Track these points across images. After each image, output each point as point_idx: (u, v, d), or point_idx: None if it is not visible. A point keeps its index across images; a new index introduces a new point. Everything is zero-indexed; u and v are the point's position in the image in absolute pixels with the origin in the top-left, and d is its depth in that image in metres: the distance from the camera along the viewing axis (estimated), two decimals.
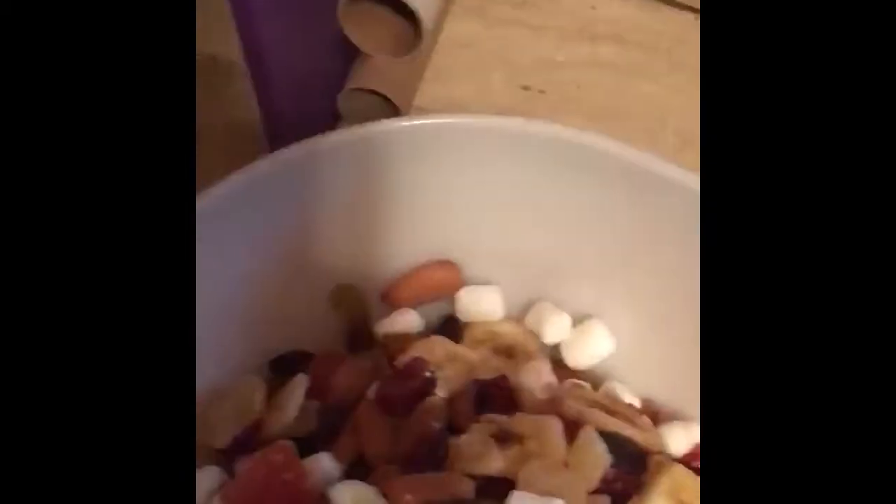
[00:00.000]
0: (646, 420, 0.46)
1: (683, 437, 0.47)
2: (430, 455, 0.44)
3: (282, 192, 0.47)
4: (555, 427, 0.43)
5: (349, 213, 0.51)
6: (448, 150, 0.50)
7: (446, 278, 0.53)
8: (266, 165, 0.46)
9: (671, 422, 0.48)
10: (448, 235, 0.53)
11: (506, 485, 0.42)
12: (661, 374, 0.51)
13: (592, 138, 0.48)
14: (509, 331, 0.53)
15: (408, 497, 0.41)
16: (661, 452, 0.45)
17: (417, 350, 0.49)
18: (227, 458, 0.46)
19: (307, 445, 0.45)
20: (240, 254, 0.48)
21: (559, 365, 0.52)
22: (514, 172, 0.50)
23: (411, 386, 0.47)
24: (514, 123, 0.48)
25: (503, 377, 0.49)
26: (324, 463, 0.43)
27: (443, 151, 0.50)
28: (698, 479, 0.43)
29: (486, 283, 0.54)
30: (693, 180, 0.47)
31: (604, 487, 0.42)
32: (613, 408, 0.46)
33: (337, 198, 0.50)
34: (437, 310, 0.55)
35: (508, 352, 0.53)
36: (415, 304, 0.54)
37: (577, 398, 0.45)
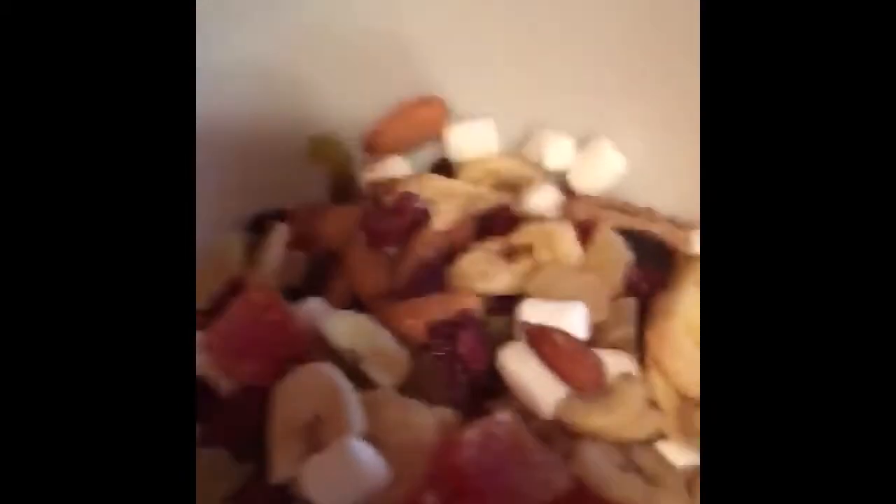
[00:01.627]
0: (667, 220, 0.41)
1: None
2: (430, 280, 0.39)
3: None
4: (566, 230, 0.38)
5: (322, 49, 0.46)
6: None
7: (432, 115, 0.48)
8: None
9: (697, 228, 0.43)
10: (430, 69, 0.48)
11: (517, 303, 0.37)
12: (680, 190, 0.46)
13: None
14: (508, 165, 0.48)
15: (409, 321, 0.37)
16: (688, 249, 0.40)
17: (407, 186, 0.44)
18: (208, 322, 0.42)
19: (295, 297, 0.40)
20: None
21: (568, 195, 0.47)
22: None
23: (403, 218, 0.42)
24: None
25: (505, 205, 0.44)
26: (313, 305, 0.39)
27: None
28: None
29: (477, 117, 0.48)
30: None
31: (628, 289, 0.37)
32: (631, 210, 0.41)
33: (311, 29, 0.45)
34: (427, 155, 0.50)
35: (510, 188, 0.48)
36: (401, 150, 0.49)
37: (588, 204, 0.40)
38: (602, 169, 0.46)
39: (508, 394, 0.35)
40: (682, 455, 0.34)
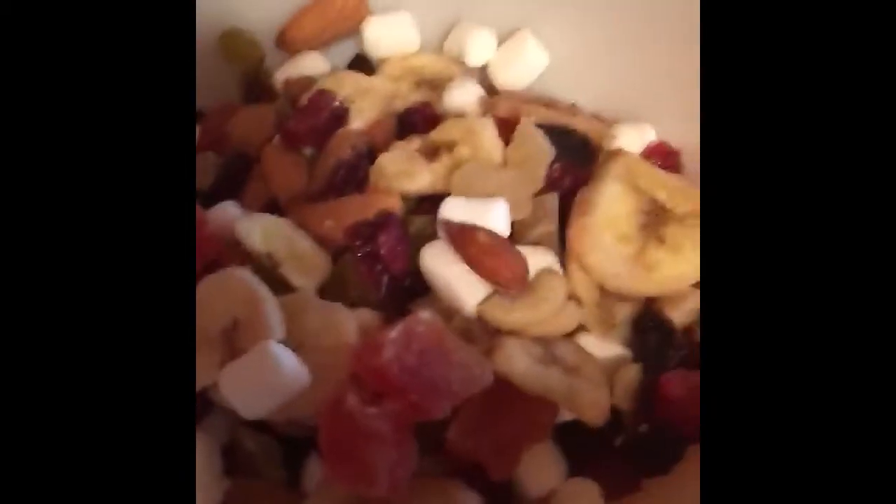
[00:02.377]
0: (590, 115, 0.40)
1: (636, 137, 0.41)
2: (349, 181, 0.38)
3: None
4: (487, 126, 0.37)
5: None
6: None
7: (350, 8, 0.46)
8: None
9: (620, 124, 0.42)
10: None
11: (440, 202, 0.36)
12: (604, 85, 0.45)
13: None
14: (429, 62, 0.46)
15: (328, 223, 0.36)
16: (610, 144, 0.39)
17: (324, 84, 0.42)
18: None
19: (208, 201, 0.39)
20: None
21: (490, 92, 0.46)
22: None
23: (319, 117, 0.40)
24: None
25: (426, 103, 0.43)
26: (227, 209, 0.37)
27: None
28: (655, 168, 0.38)
29: (396, 9, 0.46)
30: None
31: (550, 185, 0.37)
32: (554, 106, 0.40)
33: None
34: (343, 50, 0.48)
35: (431, 86, 0.46)
36: (317, 45, 0.46)
37: (510, 100, 0.39)
38: (525, 64, 0.45)
39: (431, 294, 0.35)
40: (602, 347, 0.35)
